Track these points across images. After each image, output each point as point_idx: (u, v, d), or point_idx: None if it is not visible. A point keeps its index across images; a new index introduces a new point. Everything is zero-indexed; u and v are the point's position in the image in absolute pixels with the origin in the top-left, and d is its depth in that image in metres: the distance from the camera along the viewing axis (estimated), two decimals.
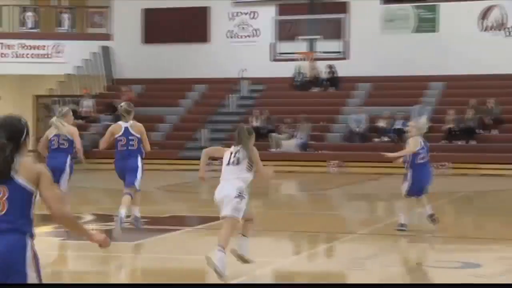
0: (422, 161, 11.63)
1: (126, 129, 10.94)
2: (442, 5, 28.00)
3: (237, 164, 8.13)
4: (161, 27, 30.22)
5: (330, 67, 28.02)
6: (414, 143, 11.63)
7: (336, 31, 27.47)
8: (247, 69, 28.34)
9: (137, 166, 10.78)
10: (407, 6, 28.29)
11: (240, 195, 8.07)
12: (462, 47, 27.20)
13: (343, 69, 27.67)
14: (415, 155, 11.59)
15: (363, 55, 27.77)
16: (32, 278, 4.19)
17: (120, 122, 11.03)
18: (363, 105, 26.44)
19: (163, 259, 9.66)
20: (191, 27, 29.92)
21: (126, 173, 10.80)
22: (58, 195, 4.44)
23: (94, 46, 30.49)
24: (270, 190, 18.13)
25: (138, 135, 10.94)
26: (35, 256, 4.24)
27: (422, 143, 11.68)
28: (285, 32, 27.76)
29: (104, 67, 30.76)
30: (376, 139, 25.46)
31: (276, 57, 27.40)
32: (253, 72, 28.43)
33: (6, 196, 4.22)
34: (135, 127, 10.98)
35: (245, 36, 29.83)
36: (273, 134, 25.87)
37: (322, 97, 27.92)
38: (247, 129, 8.38)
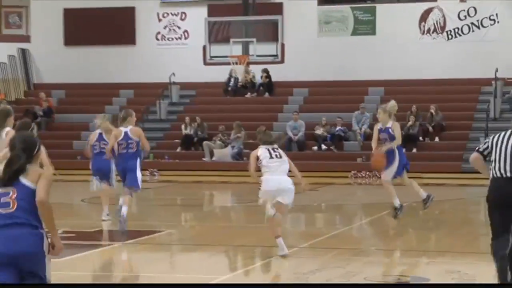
0: None
1: (126, 133, 12.73)
2: (380, 6, 28.37)
3: (280, 158, 10.24)
4: (83, 28, 29.87)
5: (265, 71, 28.11)
6: (397, 126, 13.10)
7: (271, 33, 27.60)
8: (177, 74, 28.23)
9: (136, 167, 12.66)
10: (345, 7, 28.58)
11: (293, 185, 10.19)
12: (401, 51, 27.59)
13: (279, 74, 27.80)
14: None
15: (299, 59, 27.94)
16: (47, 264, 5.34)
17: (121, 128, 12.83)
18: (300, 112, 26.59)
19: (96, 278, 9.50)
20: (116, 28, 29.65)
21: (127, 174, 12.73)
22: (48, 187, 5.37)
23: (11, 48, 29.98)
24: (203, 202, 18.07)
25: (137, 139, 12.69)
26: (48, 245, 5.34)
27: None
28: (217, 34, 27.76)
29: (22, 71, 30.25)
30: (315, 147, 25.62)
31: (207, 61, 27.37)
32: (184, 77, 28.34)
33: (15, 195, 5.29)
34: (133, 132, 12.76)
35: (175, 39, 29.71)
36: (206, 143, 25.81)
37: (257, 103, 27.99)
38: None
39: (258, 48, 27.09)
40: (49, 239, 5.39)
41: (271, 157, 10.16)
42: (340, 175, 23.44)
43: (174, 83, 28.64)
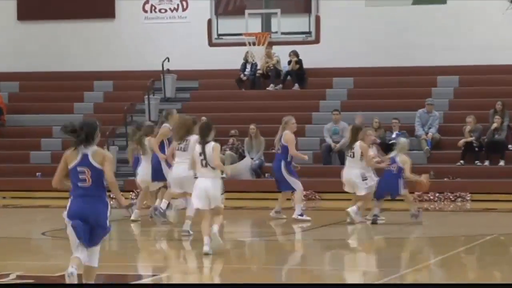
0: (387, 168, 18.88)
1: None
2: None
3: (353, 157, 18.61)
4: None
5: (294, 54, 28.11)
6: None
7: (301, 2, 27.59)
8: (172, 59, 28.30)
9: (280, 170, 19.45)
10: None
11: (364, 178, 18.51)
12: (482, 26, 27.55)
13: (313, 58, 27.81)
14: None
15: (341, 38, 27.94)
16: (107, 227, 10.19)
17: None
18: (342, 110, 26.55)
19: None
20: None
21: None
22: (112, 169, 10.10)
23: None
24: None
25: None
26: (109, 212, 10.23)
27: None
28: (228, 4, 27.79)
29: None
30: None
31: (214, 41, 27.36)
32: (182, 63, 28.41)
33: (90, 174, 10.00)
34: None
35: (169, 10, 29.81)
36: None
37: (283, 98, 28.01)
38: (356, 128, 19.22)
39: (284, 23, 27.05)
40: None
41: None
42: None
43: (169, 71, 28.69)
